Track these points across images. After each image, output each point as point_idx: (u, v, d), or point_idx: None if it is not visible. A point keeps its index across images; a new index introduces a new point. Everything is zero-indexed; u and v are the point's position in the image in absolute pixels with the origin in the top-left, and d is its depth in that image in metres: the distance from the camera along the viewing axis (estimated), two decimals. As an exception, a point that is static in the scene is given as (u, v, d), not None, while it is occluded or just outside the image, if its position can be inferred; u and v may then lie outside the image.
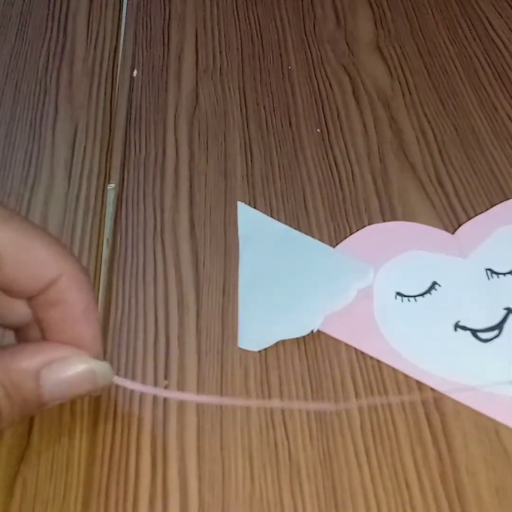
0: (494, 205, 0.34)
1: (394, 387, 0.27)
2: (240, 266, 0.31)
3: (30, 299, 0.25)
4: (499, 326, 0.29)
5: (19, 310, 0.26)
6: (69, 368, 0.25)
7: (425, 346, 0.29)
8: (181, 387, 0.27)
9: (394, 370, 0.28)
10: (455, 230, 0.33)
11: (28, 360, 0.25)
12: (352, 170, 0.36)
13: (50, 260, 0.25)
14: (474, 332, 0.29)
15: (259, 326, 0.29)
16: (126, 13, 0.46)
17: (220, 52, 0.43)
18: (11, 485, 0.25)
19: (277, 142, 0.37)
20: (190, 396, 0.27)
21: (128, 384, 0.27)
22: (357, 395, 0.27)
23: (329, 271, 0.30)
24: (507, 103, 0.39)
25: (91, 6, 0.46)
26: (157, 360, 0.28)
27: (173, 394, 0.27)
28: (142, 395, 0.27)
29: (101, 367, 0.26)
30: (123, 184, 0.36)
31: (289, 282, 0.30)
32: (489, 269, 0.31)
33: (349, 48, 0.43)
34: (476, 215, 0.33)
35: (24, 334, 0.27)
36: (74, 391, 0.26)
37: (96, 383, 0.26)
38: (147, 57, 0.43)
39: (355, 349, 0.28)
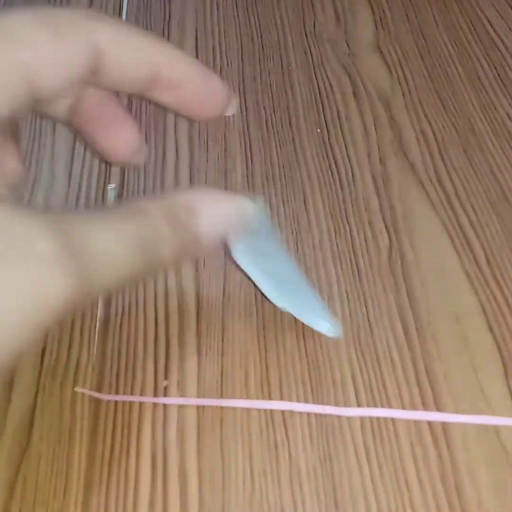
0: (494, 204, 0.34)
1: (394, 386, 0.27)
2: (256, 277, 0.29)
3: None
4: None
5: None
6: (220, 203, 0.25)
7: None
8: (181, 387, 0.27)
9: (394, 369, 0.28)
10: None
11: (186, 198, 0.25)
12: (352, 170, 0.36)
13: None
14: None
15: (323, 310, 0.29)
16: (126, 14, 0.46)
17: (220, 52, 0.43)
18: (11, 484, 0.25)
19: (277, 142, 0.37)
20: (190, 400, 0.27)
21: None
22: (357, 395, 0.27)
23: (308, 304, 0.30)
24: (507, 103, 0.39)
25: (91, 7, 0.46)
26: (157, 360, 0.28)
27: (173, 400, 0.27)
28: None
29: (247, 201, 0.26)
30: (123, 184, 0.36)
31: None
32: None
33: (349, 48, 0.43)
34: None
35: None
36: (225, 226, 0.26)
37: (245, 217, 0.26)
38: (147, 57, 0.43)
39: (355, 349, 0.28)
